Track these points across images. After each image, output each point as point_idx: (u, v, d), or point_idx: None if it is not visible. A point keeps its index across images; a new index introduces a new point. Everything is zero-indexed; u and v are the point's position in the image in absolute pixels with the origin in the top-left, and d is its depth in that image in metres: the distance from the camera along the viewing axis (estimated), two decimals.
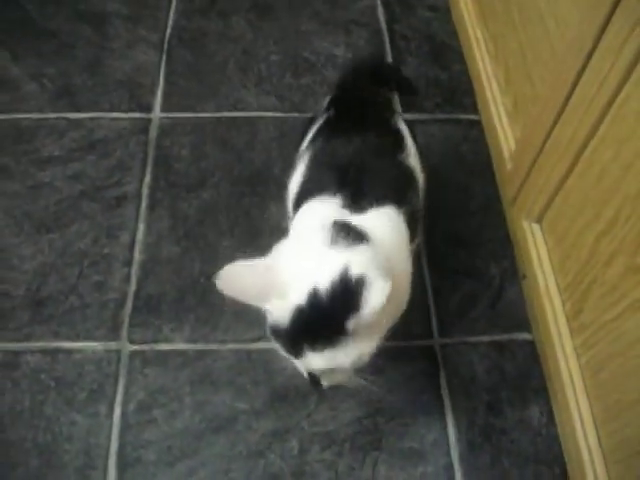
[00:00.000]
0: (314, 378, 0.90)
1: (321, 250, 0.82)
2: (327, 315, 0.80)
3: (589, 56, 0.99)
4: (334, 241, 0.82)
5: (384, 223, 0.91)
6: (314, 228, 0.86)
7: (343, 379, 0.89)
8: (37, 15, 1.76)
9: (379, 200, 0.91)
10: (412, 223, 0.97)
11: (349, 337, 0.79)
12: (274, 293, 0.82)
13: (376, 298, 0.75)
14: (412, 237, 0.98)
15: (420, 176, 1.06)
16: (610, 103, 0.97)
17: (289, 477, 1.15)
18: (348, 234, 0.83)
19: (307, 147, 1.07)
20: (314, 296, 0.80)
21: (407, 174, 1.02)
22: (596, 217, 1.04)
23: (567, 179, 1.14)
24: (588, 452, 1.08)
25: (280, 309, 0.83)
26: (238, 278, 0.83)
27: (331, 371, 0.87)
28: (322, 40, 1.75)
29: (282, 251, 0.86)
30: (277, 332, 0.85)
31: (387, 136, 1.06)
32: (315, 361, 0.83)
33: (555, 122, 1.13)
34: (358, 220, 0.89)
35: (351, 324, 0.77)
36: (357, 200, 0.91)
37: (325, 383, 0.91)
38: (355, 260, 0.80)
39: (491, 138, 1.53)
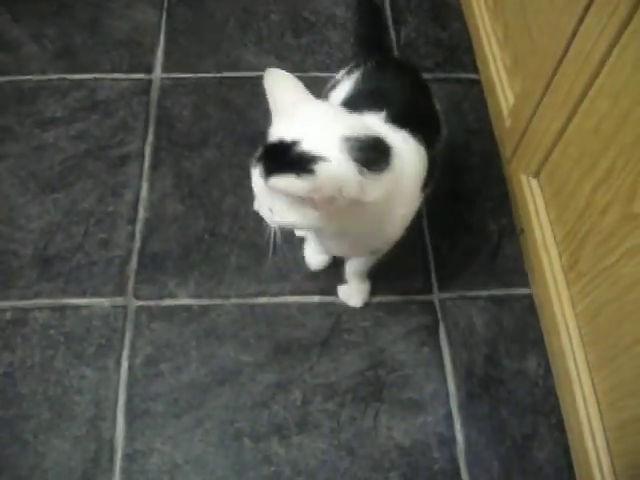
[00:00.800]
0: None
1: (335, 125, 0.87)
2: (282, 160, 0.83)
3: (587, 7, 1.00)
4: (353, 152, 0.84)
5: (411, 149, 0.96)
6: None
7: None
8: None
9: (415, 130, 0.97)
10: (430, 167, 1.02)
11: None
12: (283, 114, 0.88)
13: (308, 183, 0.79)
14: (427, 182, 1.03)
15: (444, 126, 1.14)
16: (607, 54, 0.98)
17: (293, 427, 1.18)
18: (378, 155, 0.87)
19: (350, 71, 1.12)
20: (285, 142, 0.84)
21: (438, 118, 1.12)
22: (593, 167, 1.06)
23: (565, 131, 1.15)
24: (582, 397, 1.11)
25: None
26: (283, 82, 0.89)
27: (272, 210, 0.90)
28: None
29: (324, 100, 0.94)
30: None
31: (423, 83, 1.16)
32: (257, 186, 0.89)
33: (553, 74, 1.14)
34: (395, 136, 0.93)
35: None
36: (400, 121, 0.96)
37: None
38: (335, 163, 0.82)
39: (490, 96, 1.54)
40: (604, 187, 1.02)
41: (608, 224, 1.01)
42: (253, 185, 0.90)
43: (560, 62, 1.11)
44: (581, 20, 1.02)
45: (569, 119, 1.12)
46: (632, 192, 0.93)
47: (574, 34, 1.05)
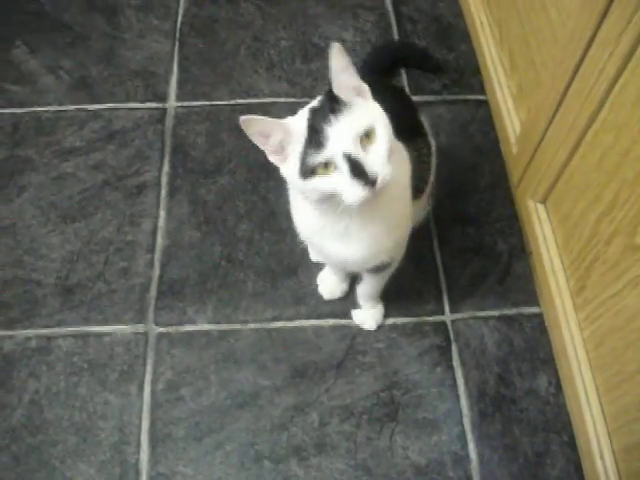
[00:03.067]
0: None
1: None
2: None
3: (588, 45, 1.03)
4: None
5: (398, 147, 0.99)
6: None
7: None
8: (51, 7, 1.80)
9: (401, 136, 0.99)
10: (420, 170, 1.05)
11: None
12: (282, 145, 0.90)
13: None
14: (422, 187, 1.08)
15: (431, 141, 1.18)
16: (609, 91, 1.01)
17: (311, 448, 1.22)
18: None
19: None
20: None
21: (423, 128, 1.17)
22: (597, 199, 1.08)
23: (569, 162, 1.18)
24: (592, 419, 1.14)
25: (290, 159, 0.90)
26: (257, 124, 0.88)
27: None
28: (330, 24, 1.78)
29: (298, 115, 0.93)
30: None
31: (409, 99, 1.20)
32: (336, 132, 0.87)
33: (557, 107, 1.17)
34: None
35: None
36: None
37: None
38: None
39: (498, 121, 1.56)
40: (608, 218, 1.05)
41: (612, 254, 1.04)
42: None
43: (563, 96, 1.14)
44: (583, 57, 1.05)
45: (573, 151, 1.15)
46: (634, 225, 0.96)
47: (576, 70, 1.08)
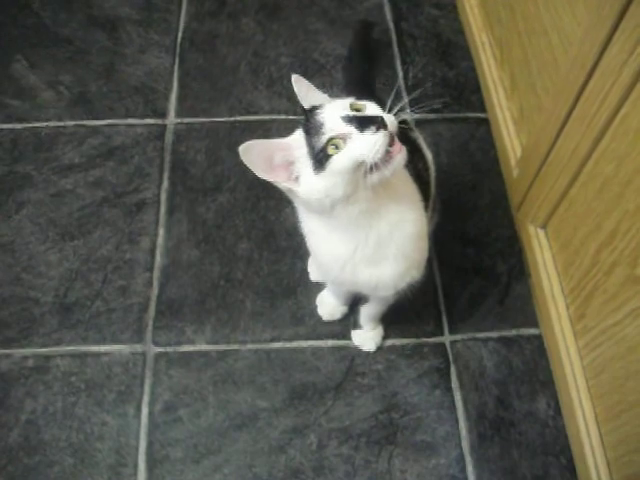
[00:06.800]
0: None
1: None
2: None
3: (590, 74, 1.03)
4: None
5: None
6: None
7: None
8: (51, 22, 1.79)
9: None
10: (423, 190, 1.03)
11: None
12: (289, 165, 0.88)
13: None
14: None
15: (428, 155, 1.18)
16: (610, 120, 1.00)
17: (309, 471, 1.21)
18: None
19: None
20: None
21: (416, 142, 1.16)
22: (597, 228, 1.08)
23: (570, 190, 1.18)
24: (591, 447, 1.13)
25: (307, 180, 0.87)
26: (258, 150, 0.86)
27: None
28: (330, 40, 1.77)
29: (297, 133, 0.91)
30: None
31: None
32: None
33: (558, 134, 1.16)
34: None
35: None
36: None
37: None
38: None
39: (498, 142, 1.56)
40: (609, 248, 1.04)
41: (613, 284, 1.04)
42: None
43: (564, 123, 1.13)
44: (585, 85, 1.05)
45: (574, 178, 1.15)
46: (635, 256, 0.96)
47: (578, 98, 1.07)
